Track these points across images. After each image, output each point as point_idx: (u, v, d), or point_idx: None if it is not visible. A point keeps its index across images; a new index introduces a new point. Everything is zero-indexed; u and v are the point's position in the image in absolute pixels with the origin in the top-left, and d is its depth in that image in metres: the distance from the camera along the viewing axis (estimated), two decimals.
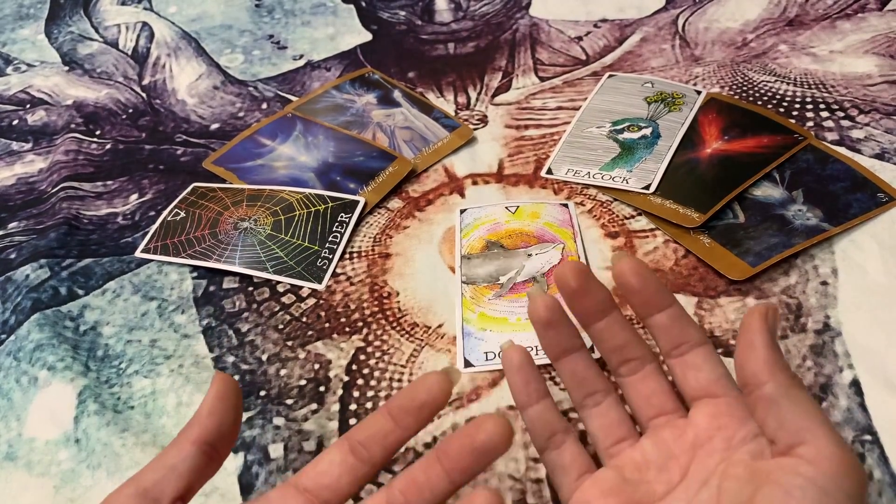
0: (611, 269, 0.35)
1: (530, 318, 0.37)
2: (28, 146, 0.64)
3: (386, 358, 0.45)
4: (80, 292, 0.50)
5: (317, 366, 0.45)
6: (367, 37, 0.72)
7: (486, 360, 0.44)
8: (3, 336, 0.48)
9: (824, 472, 0.28)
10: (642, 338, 0.36)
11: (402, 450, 0.41)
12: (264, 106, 0.65)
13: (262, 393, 0.44)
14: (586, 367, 0.36)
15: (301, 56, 0.71)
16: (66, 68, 0.71)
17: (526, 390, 0.36)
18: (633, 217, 0.52)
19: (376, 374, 0.44)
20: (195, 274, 0.51)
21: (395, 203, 0.55)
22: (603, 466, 0.35)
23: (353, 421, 0.42)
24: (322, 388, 0.44)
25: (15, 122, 0.66)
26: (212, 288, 0.50)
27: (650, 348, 0.36)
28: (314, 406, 0.43)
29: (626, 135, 0.57)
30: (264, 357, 0.46)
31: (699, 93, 0.60)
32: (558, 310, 0.36)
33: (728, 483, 0.31)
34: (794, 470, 0.28)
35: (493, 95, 0.64)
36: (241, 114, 0.65)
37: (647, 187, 0.53)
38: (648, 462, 0.34)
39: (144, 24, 0.76)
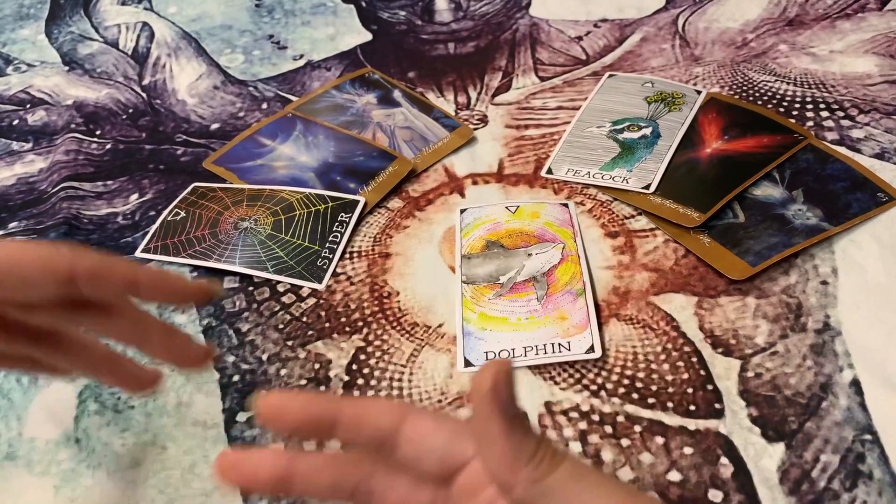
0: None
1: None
2: (28, 146, 0.64)
3: (386, 358, 0.45)
4: None
5: (317, 365, 0.45)
6: (367, 37, 0.72)
7: (487, 359, 0.44)
8: None
9: None
10: (332, 464, 0.29)
11: None
12: (264, 106, 0.65)
13: (263, 392, 0.44)
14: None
15: (301, 56, 0.71)
16: (67, 68, 0.71)
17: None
18: (633, 217, 0.52)
19: (376, 373, 0.44)
20: (195, 274, 0.51)
21: (396, 203, 0.55)
22: None
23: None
24: (322, 388, 0.44)
25: (15, 122, 0.66)
26: None
27: (350, 463, 0.29)
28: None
29: (626, 134, 0.57)
30: (264, 357, 0.46)
31: (699, 92, 0.60)
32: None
33: None
34: None
35: (493, 95, 0.64)
36: (241, 114, 0.65)
37: (647, 187, 0.53)
38: None
39: (144, 24, 0.76)
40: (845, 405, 0.41)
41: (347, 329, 0.47)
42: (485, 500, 0.27)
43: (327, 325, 0.47)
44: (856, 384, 0.42)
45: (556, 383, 0.43)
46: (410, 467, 0.28)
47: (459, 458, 0.28)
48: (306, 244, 0.52)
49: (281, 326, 0.48)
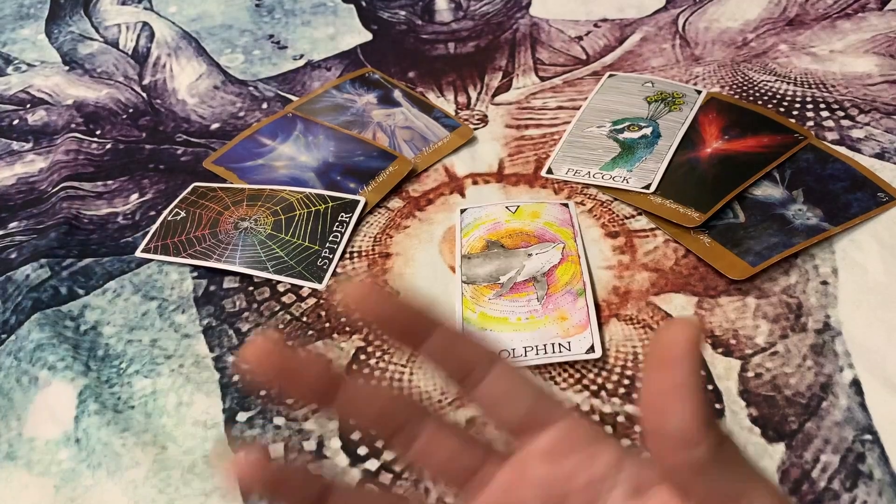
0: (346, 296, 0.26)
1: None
2: (28, 146, 0.64)
3: (386, 357, 0.45)
4: (81, 292, 0.50)
5: None
6: (367, 37, 0.72)
7: None
8: (4, 336, 0.48)
9: None
10: (401, 397, 0.28)
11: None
12: (264, 106, 0.65)
13: (263, 393, 0.44)
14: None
15: (301, 56, 0.71)
16: (67, 68, 0.71)
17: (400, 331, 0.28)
18: (633, 216, 0.52)
19: (377, 373, 0.44)
20: (195, 273, 0.51)
21: (396, 203, 0.55)
22: None
23: (352, 421, 0.42)
24: None
25: (15, 122, 0.66)
26: (212, 287, 0.50)
27: (418, 406, 0.27)
28: (314, 406, 0.43)
29: (627, 134, 0.57)
30: None
31: (699, 92, 0.60)
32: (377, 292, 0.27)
33: None
34: None
35: (494, 95, 0.64)
36: (241, 113, 0.65)
37: (648, 187, 0.53)
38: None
39: (145, 23, 0.76)
40: (845, 405, 0.41)
41: (347, 329, 0.47)
42: (568, 467, 0.26)
43: (327, 324, 0.47)
44: (856, 384, 0.42)
45: (556, 383, 0.43)
46: (486, 409, 0.26)
47: (544, 419, 0.26)
48: (306, 244, 0.52)
49: (281, 326, 0.48)
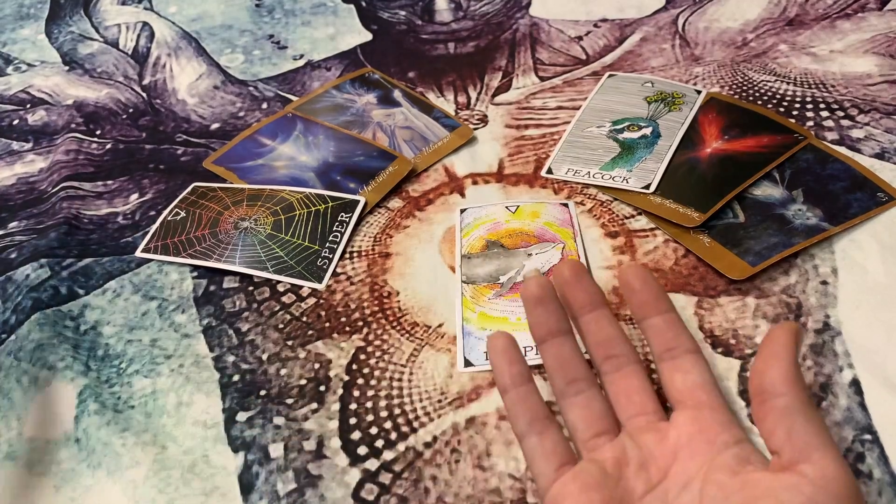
0: (617, 275, 0.36)
1: (522, 295, 0.37)
2: (28, 146, 0.64)
3: (386, 357, 0.45)
4: (81, 292, 0.50)
5: (317, 365, 0.45)
6: (367, 37, 0.72)
7: (487, 359, 0.44)
8: (4, 336, 0.48)
9: (826, 493, 0.28)
10: (628, 338, 0.36)
11: (402, 449, 0.41)
12: (264, 106, 0.65)
13: (263, 392, 0.44)
14: (571, 352, 0.36)
15: (301, 56, 0.71)
16: (67, 68, 0.71)
17: (509, 371, 0.36)
18: (633, 216, 0.52)
19: (376, 373, 0.44)
20: (195, 273, 0.51)
21: (396, 203, 0.55)
22: (582, 460, 0.35)
23: (353, 420, 0.42)
24: (322, 388, 0.44)
25: (15, 122, 0.66)
26: (212, 287, 0.50)
27: (635, 349, 0.37)
28: (314, 405, 0.43)
29: (626, 134, 0.57)
30: (264, 357, 0.46)
31: (699, 92, 0.60)
32: (550, 289, 0.36)
33: (710, 488, 0.31)
34: (795, 487, 0.28)
35: (494, 95, 0.64)
36: (241, 113, 0.65)
37: (647, 187, 0.53)
38: (628, 459, 0.34)
39: (145, 23, 0.76)
40: (845, 405, 0.41)
41: (347, 329, 0.47)
42: (703, 423, 0.34)
43: (327, 324, 0.47)
44: (856, 384, 0.42)
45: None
46: (665, 378, 0.36)
47: (700, 398, 0.34)
48: (306, 244, 0.52)
49: (281, 326, 0.48)
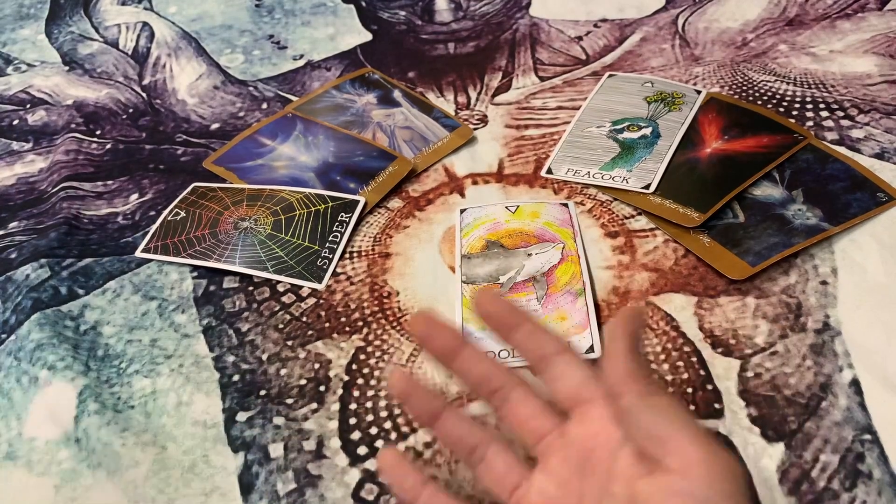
0: (473, 306, 0.35)
1: (391, 393, 0.39)
2: (28, 146, 0.64)
3: (386, 357, 0.45)
4: (81, 292, 0.50)
5: (317, 365, 0.45)
6: (367, 37, 0.72)
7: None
8: (4, 336, 0.48)
9: (698, 480, 0.27)
10: (501, 366, 0.36)
11: (402, 449, 0.41)
12: (264, 106, 0.65)
13: (263, 392, 0.44)
14: (458, 423, 0.35)
15: (301, 56, 0.71)
16: (67, 68, 0.71)
17: (423, 409, 0.35)
18: (633, 217, 0.52)
19: (376, 373, 0.44)
20: (195, 273, 0.51)
21: (395, 203, 0.55)
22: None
23: (353, 420, 0.42)
24: (322, 388, 0.44)
25: (15, 122, 0.66)
26: (212, 287, 0.50)
27: (512, 371, 0.36)
28: (314, 405, 0.43)
29: (626, 134, 0.57)
30: (264, 357, 0.46)
31: (699, 92, 0.60)
32: (410, 379, 0.36)
33: None
34: (670, 488, 0.28)
35: (493, 95, 0.64)
36: (241, 114, 0.65)
37: (647, 187, 0.53)
38: (550, 500, 0.33)
39: (145, 24, 0.76)
40: (845, 405, 0.41)
41: (347, 329, 0.47)
42: (595, 425, 0.33)
43: (327, 324, 0.47)
44: (855, 384, 0.42)
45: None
46: (549, 386, 0.34)
47: (586, 396, 0.33)
48: (306, 244, 0.52)
49: (281, 326, 0.48)
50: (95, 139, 0.63)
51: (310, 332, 0.47)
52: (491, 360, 0.36)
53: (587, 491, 0.32)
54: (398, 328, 0.47)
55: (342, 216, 0.53)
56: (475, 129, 0.60)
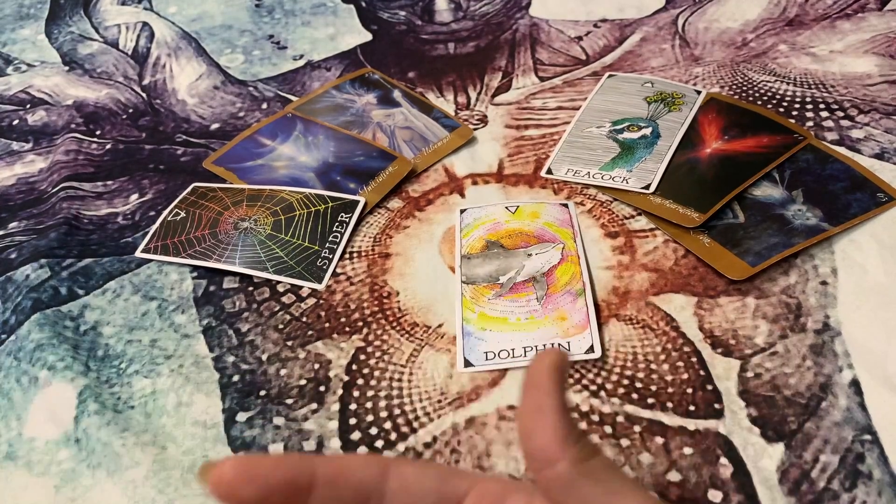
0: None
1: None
2: (28, 146, 0.64)
3: (386, 358, 0.45)
4: (81, 292, 0.50)
5: (317, 365, 0.45)
6: (367, 37, 0.72)
7: (486, 359, 0.44)
8: (4, 336, 0.48)
9: None
10: (363, 482, 0.27)
11: (402, 450, 0.41)
12: (264, 106, 0.65)
13: (262, 393, 0.44)
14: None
15: (301, 56, 0.71)
16: (67, 68, 0.71)
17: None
18: (633, 217, 0.52)
19: (376, 373, 0.44)
20: (195, 274, 0.51)
21: (395, 203, 0.55)
22: None
23: (353, 421, 0.42)
24: (322, 388, 0.44)
25: (15, 122, 0.66)
26: (212, 288, 0.50)
27: (380, 488, 0.27)
28: (314, 406, 0.43)
29: (626, 135, 0.57)
30: (264, 357, 0.46)
31: (699, 93, 0.60)
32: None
33: None
34: None
35: (493, 95, 0.64)
36: (241, 114, 0.65)
37: (647, 187, 0.53)
38: None
39: (144, 24, 0.76)
40: (845, 405, 0.41)
41: (347, 329, 0.47)
42: None
43: (327, 325, 0.48)
44: (855, 384, 0.42)
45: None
46: None
47: (456, 494, 0.28)
48: (306, 244, 0.52)
49: (281, 326, 0.48)
50: (95, 139, 0.63)
51: (310, 333, 0.47)
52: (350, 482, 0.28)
53: None
54: (398, 328, 0.47)
55: (342, 216, 0.53)
56: (475, 129, 0.60)
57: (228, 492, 0.24)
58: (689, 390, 0.42)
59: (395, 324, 0.47)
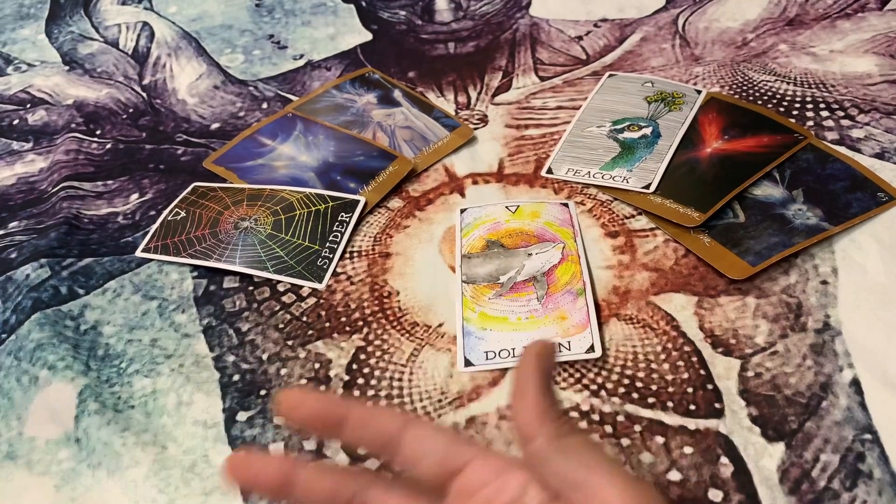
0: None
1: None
2: (28, 146, 0.64)
3: (386, 357, 0.45)
4: (81, 292, 0.50)
5: (317, 365, 0.45)
6: (367, 37, 0.72)
7: (487, 359, 0.44)
8: (4, 335, 0.48)
9: None
10: (332, 474, 0.30)
11: None
12: (264, 106, 0.65)
13: (263, 392, 0.44)
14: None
15: (301, 56, 0.71)
16: (67, 68, 0.71)
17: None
18: (633, 216, 0.52)
19: (376, 373, 0.44)
20: (195, 273, 0.51)
21: (396, 202, 0.55)
22: None
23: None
24: (322, 388, 0.44)
25: (15, 122, 0.66)
26: (212, 287, 0.50)
27: (348, 475, 0.30)
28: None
29: (627, 134, 0.57)
30: (265, 356, 0.46)
31: (699, 92, 0.60)
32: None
33: None
34: None
35: (494, 95, 0.64)
36: (241, 113, 0.65)
37: (648, 187, 0.53)
38: None
39: (145, 23, 0.76)
40: (845, 405, 0.41)
41: (347, 329, 0.47)
42: (482, 499, 0.29)
43: (327, 324, 0.47)
44: (856, 384, 0.42)
45: (555, 383, 0.43)
46: (411, 469, 0.30)
47: (458, 461, 0.30)
48: (306, 244, 0.52)
49: (281, 326, 0.48)
50: (95, 139, 0.63)
51: (310, 332, 0.47)
52: (334, 468, 0.31)
53: None
54: (398, 328, 0.47)
55: (342, 216, 0.53)
56: (475, 128, 0.60)
57: (283, 413, 0.30)
58: (690, 390, 0.42)
59: (395, 323, 0.47)
